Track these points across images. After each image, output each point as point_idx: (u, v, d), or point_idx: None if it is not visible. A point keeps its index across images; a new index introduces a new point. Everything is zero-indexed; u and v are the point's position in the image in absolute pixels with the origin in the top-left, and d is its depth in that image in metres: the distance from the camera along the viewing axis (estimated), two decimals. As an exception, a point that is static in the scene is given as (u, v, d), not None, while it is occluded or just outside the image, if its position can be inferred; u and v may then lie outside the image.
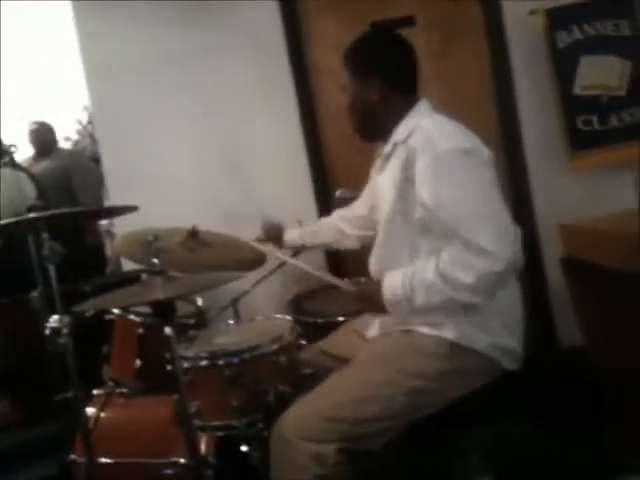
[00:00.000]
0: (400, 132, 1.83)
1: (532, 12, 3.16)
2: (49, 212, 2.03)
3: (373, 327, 1.95)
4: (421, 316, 1.76)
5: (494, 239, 1.58)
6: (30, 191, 3.50)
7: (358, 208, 2.34)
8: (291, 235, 2.52)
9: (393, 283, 1.74)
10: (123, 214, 2.30)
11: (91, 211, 2.88)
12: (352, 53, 1.94)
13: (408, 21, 3.33)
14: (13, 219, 1.97)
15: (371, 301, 1.81)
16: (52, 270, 1.97)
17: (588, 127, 3.12)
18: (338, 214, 2.46)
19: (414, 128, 1.78)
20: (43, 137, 4.82)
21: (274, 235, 2.54)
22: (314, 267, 2.88)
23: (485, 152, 1.76)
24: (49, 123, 4.92)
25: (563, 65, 3.14)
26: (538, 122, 3.25)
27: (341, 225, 2.40)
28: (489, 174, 1.72)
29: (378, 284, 1.78)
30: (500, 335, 1.76)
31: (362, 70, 1.89)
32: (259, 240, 2.54)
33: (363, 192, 2.32)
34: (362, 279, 2.71)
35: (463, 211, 1.63)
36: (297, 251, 2.56)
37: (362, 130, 1.97)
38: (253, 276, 2.51)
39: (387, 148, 1.87)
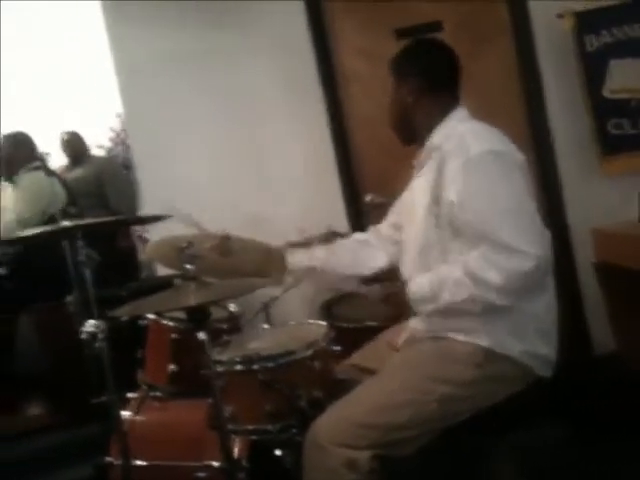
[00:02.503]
0: (436, 137, 1.85)
1: (560, 15, 3.13)
2: (86, 221, 2.07)
3: (404, 337, 1.95)
4: (455, 322, 1.76)
5: (523, 237, 1.58)
6: (62, 196, 3.56)
7: (387, 227, 2.18)
8: (296, 258, 2.19)
9: (420, 283, 1.75)
10: (156, 222, 2.33)
11: (127, 220, 2.93)
12: (397, 57, 1.98)
13: (434, 27, 3.32)
14: (50, 228, 2.01)
15: (397, 303, 1.81)
16: (88, 275, 2.00)
17: (619, 131, 3.09)
18: (368, 233, 2.26)
19: (450, 134, 1.80)
20: (74, 146, 4.94)
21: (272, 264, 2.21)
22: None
23: (519, 157, 1.76)
24: (79, 132, 5.02)
25: (592, 69, 3.12)
26: (568, 126, 3.23)
27: (372, 240, 2.19)
28: (521, 178, 1.71)
29: (403, 286, 1.78)
30: (534, 342, 1.75)
31: (402, 72, 1.93)
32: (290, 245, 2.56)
33: (392, 209, 2.27)
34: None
35: (492, 211, 1.63)
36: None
37: (399, 132, 1.99)
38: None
39: (423, 153, 1.89)
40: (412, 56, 1.96)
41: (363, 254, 2.17)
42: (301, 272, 2.18)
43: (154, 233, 3.17)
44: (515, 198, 1.66)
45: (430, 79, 1.90)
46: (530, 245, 1.57)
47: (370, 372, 1.91)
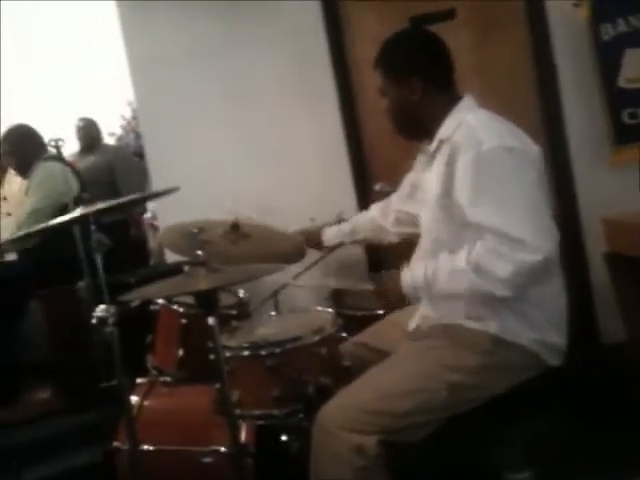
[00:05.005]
0: (446, 128, 1.82)
1: (576, 4, 3.09)
2: (100, 206, 2.07)
3: (414, 320, 1.95)
4: (465, 309, 1.76)
5: (531, 230, 1.57)
6: (74, 184, 3.57)
7: (395, 202, 2.32)
8: (329, 234, 2.50)
9: (415, 272, 1.75)
10: (165, 196, 2.37)
11: (138, 199, 2.94)
12: (386, 55, 1.94)
13: (449, 14, 3.29)
14: (68, 216, 2.03)
15: (390, 294, 1.83)
16: (99, 261, 2.01)
17: (633, 120, 3.05)
18: (376, 208, 2.43)
19: (459, 124, 1.77)
20: (89, 133, 4.95)
21: (314, 241, 2.54)
22: (353, 260, 2.92)
23: (532, 150, 1.74)
24: (94, 119, 5.03)
25: (607, 58, 3.07)
26: (582, 115, 3.19)
27: (380, 221, 2.37)
28: (533, 174, 1.69)
29: (396, 276, 1.79)
30: (544, 330, 1.75)
31: (399, 72, 1.88)
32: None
33: (401, 185, 2.30)
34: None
35: (501, 209, 1.61)
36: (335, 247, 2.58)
37: (405, 131, 1.97)
38: (294, 269, 2.52)
39: (433, 145, 1.86)
40: (409, 54, 1.90)
41: (380, 236, 2.39)
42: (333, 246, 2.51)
43: (164, 221, 3.17)
44: (526, 196, 1.64)
45: (433, 75, 1.87)
46: (537, 237, 1.56)
47: (379, 352, 1.92)
